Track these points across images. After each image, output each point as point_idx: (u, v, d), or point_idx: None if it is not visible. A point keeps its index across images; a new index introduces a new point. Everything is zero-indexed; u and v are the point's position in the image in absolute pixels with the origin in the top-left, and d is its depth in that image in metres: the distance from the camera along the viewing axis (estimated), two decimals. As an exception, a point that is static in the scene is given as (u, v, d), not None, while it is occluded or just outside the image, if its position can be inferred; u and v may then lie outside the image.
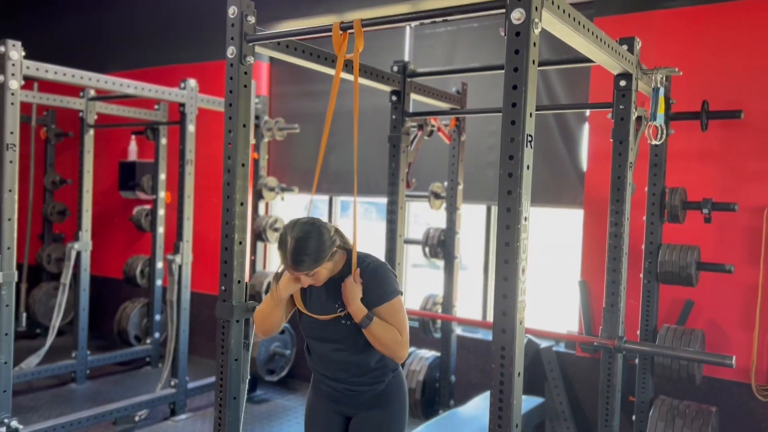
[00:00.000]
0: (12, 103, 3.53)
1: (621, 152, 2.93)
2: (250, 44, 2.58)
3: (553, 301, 6.11)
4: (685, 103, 3.69)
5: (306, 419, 2.48)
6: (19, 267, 4.77)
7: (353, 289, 2.19)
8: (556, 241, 6.19)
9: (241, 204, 2.59)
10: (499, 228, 1.97)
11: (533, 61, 1.94)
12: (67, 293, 5.02)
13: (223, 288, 2.58)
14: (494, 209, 4.85)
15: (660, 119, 3.00)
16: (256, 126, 5.12)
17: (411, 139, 3.80)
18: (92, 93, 5.19)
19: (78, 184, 5.14)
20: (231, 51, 2.57)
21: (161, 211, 5.51)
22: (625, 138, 2.92)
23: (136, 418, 4.39)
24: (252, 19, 2.58)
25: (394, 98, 3.64)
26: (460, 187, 4.25)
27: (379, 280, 2.24)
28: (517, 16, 1.93)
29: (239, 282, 2.59)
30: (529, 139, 1.96)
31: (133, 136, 6.40)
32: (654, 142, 3.05)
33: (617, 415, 2.96)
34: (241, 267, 2.61)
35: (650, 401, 3.52)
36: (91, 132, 5.15)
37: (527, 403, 3.60)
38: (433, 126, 3.99)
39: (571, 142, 4.49)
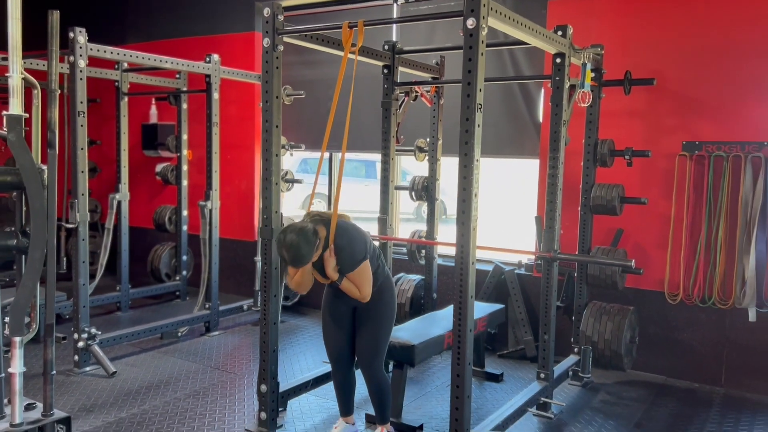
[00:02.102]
0: (81, 79, 4.42)
1: (557, 113, 3.90)
2: (280, 36, 3.49)
3: (519, 234, 7.18)
4: (618, 72, 4.62)
5: (323, 306, 3.48)
6: (59, 219, 5.55)
7: (329, 261, 3.15)
8: (523, 187, 7.19)
9: (276, 155, 3.54)
10: (459, 166, 2.94)
11: (482, 53, 2.89)
12: (110, 237, 5.93)
13: (264, 216, 3.55)
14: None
15: (587, 87, 3.96)
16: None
17: (399, 104, 4.73)
18: (125, 65, 6.03)
19: (116, 144, 6.04)
20: (266, 42, 3.48)
21: (185, 167, 6.43)
22: (560, 102, 3.88)
23: (179, 333, 5.41)
24: (281, 17, 3.48)
25: (385, 71, 4.57)
26: (440, 142, 5.18)
27: (349, 253, 3.16)
28: (470, 22, 2.86)
29: (276, 212, 3.57)
30: (479, 106, 2.92)
31: (153, 101, 7.24)
32: (582, 105, 4.02)
33: (554, 308, 4.01)
34: (278, 201, 3.58)
35: (585, 305, 4.58)
36: (126, 99, 6.03)
37: (492, 307, 4.63)
38: (417, 92, 4.91)
39: (531, 104, 5.42)
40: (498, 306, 4.66)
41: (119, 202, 6.07)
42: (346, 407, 3.53)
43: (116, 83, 6.04)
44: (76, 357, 4.56)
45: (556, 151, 3.91)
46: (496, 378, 4.57)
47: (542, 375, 3.98)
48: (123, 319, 6.03)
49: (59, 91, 3.22)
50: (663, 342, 4.79)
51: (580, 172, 4.62)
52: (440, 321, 4.16)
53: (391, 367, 3.93)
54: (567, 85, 3.89)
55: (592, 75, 4.35)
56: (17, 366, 3.16)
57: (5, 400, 3.24)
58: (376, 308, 3.35)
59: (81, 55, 4.40)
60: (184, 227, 6.56)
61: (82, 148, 4.47)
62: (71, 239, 7.45)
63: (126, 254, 6.23)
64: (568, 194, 4.82)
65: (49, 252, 3.18)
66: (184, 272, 6.65)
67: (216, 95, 5.45)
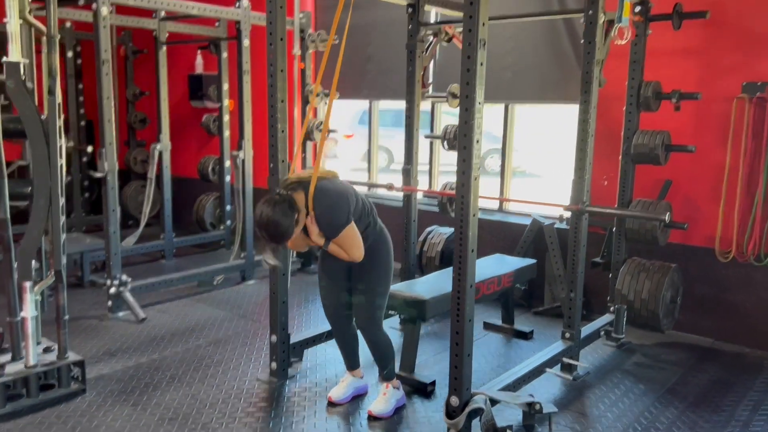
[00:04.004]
0: (104, 27, 4.40)
1: (590, 51, 3.54)
2: (285, -27, 3.30)
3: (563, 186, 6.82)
4: (668, 4, 4.15)
5: (319, 265, 3.36)
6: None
7: (311, 228, 2.95)
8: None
9: (282, 101, 3.41)
10: (461, 109, 2.70)
11: (484, -16, 2.60)
12: (153, 187, 6.03)
13: (272, 165, 3.45)
14: (511, 108, 5.47)
15: (625, 22, 3.57)
16: (302, 39, 5.82)
17: (426, 47, 4.46)
18: (163, 14, 6.00)
19: (156, 94, 6.07)
20: (269, -20, 3.30)
21: (226, 117, 6.40)
22: (593, 39, 3.52)
23: (215, 282, 5.48)
24: (285, -46, 3.29)
25: (410, 10, 4.30)
26: (475, 87, 4.88)
27: (328, 221, 2.94)
28: (473, -50, 2.57)
29: (283, 161, 3.45)
30: (483, 42, 2.65)
31: (198, 51, 7.23)
32: (620, 42, 3.63)
33: (582, 263, 3.73)
34: (284, 150, 3.46)
35: (623, 261, 4.26)
36: (164, 48, 6.01)
37: (522, 262, 4.40)
38: (448, 33, 4.61)
39: (577, 45, 5.00)
40: (528, 261, 4.42)
41: (161, 153, 6.13)
42: (351, 362, 3.46)
43: (154, 32, 6.03)
44: (110, 303, 4.69)
45: (588, 94, 3.57)
46: (524, 336, 4.37)
47: (567, 335, 3.75)
48: (166, 267, 6.17)
49: (59, 37, 3.19)
50: (712, 302, 4.41)
51: (620, 118, 4.24)
52: (461, 275, 3.97)
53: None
54: (602, 20, 3.51)
55: (637, 9, 3.93)
56: (29, 310, 3.24)
57: (23, 343, 3.35)
58: (369, 267, 3.18)
59: (103, 3, 4.37)
60: (227, 178, 6.58)
61: (108, 98, 4.47)
62: (125, 188, 7.70)
63: (169, 204, 6.34)
64: (612, 143, 4.46)
65: (53, 199, 3.20)
66: (228, 222, 6.71)
67: (246, 42, 5.33)
